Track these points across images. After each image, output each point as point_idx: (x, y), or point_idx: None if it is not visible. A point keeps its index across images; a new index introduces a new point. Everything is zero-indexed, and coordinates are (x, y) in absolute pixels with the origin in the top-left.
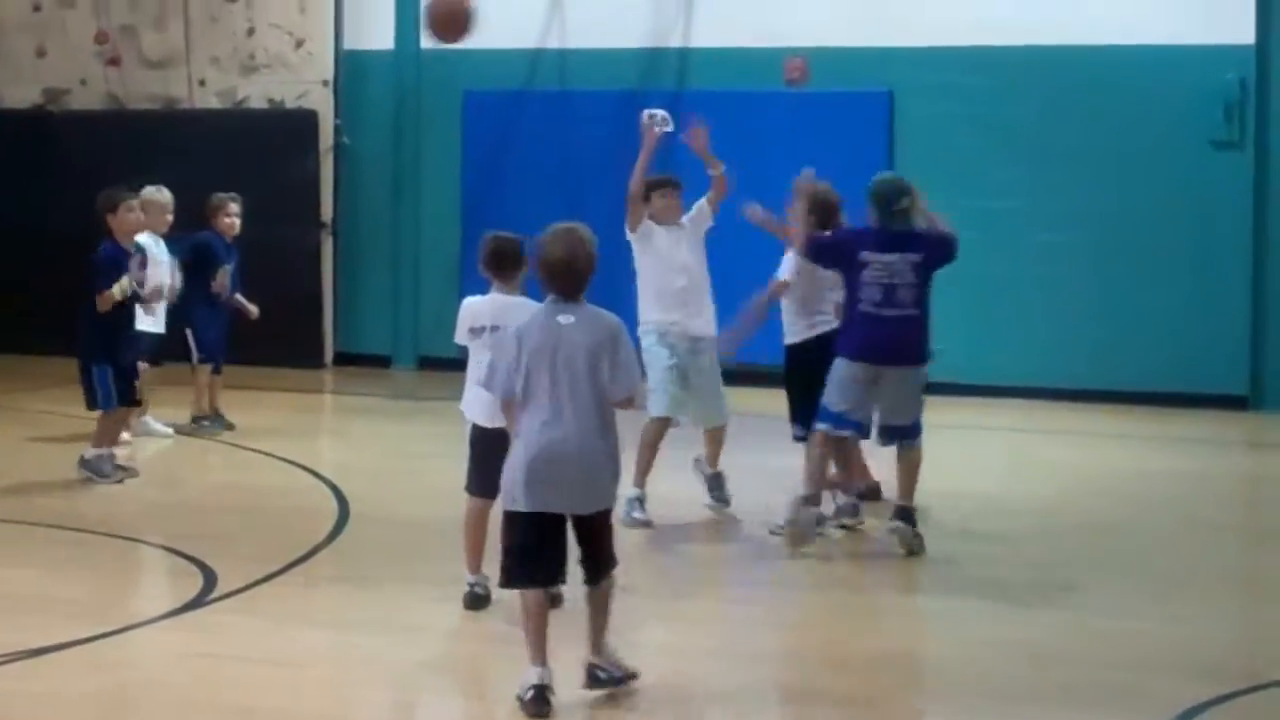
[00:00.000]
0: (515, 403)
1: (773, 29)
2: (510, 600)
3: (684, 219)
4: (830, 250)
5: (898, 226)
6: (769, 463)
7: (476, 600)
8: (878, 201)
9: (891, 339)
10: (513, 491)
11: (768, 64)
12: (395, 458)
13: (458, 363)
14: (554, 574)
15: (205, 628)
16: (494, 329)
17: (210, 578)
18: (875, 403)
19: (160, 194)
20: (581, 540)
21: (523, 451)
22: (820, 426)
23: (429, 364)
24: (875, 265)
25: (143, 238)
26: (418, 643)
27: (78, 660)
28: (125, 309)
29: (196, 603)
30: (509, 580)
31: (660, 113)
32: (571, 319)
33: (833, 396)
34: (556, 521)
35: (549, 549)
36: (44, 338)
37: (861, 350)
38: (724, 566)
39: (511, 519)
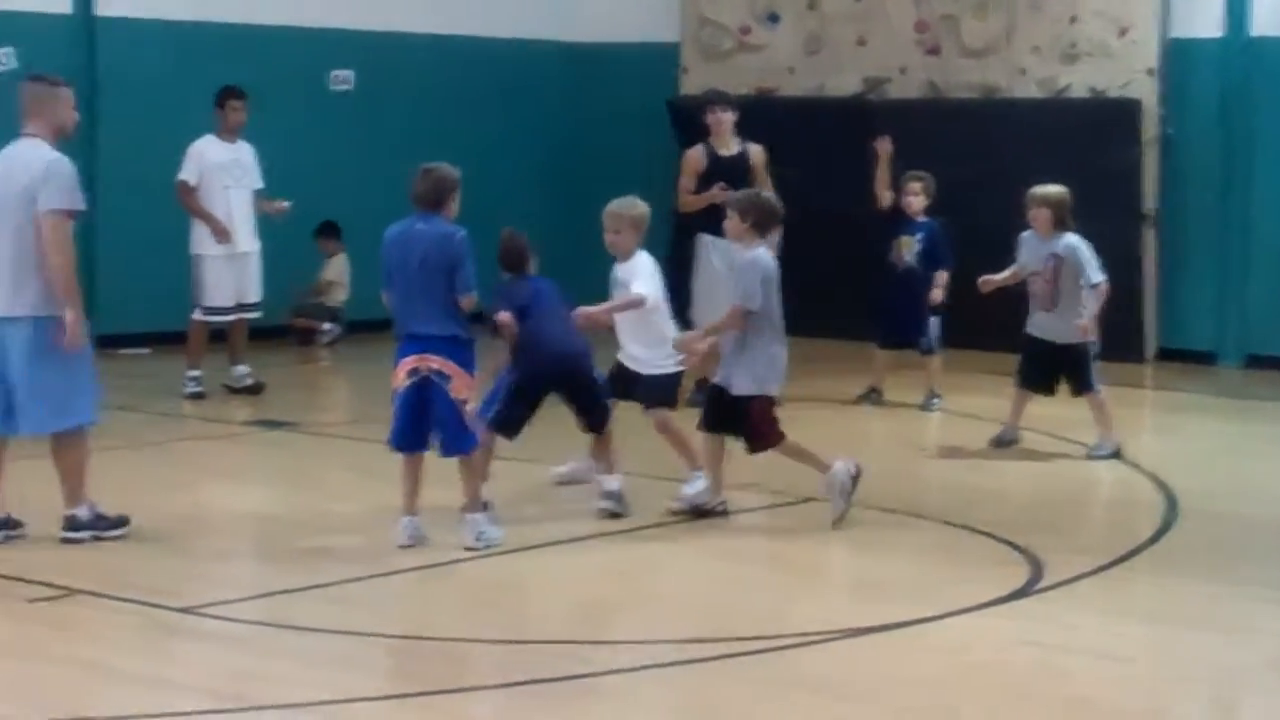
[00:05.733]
0: None
1: None
2: None
3: None
4: None
5: None
6: None
7: None
8: None
9: None
10: None
11: None
12: (1224, 456)
13: None
14: None
15: (1034, 616)
16: None
17: (1037, 566)
18: None
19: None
20: None
21: None
22: None
23: (1258, 362)
24: None
25: None
26: (1247, 643)
27: (909, 641)
28: None
29: (1024, 591)
30: None
31: None
32: None
33: None
34: None
35: None
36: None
37: None
38: None
39: None
